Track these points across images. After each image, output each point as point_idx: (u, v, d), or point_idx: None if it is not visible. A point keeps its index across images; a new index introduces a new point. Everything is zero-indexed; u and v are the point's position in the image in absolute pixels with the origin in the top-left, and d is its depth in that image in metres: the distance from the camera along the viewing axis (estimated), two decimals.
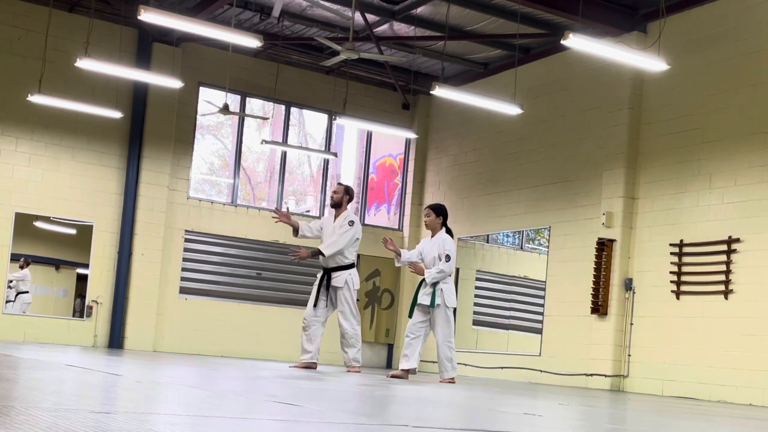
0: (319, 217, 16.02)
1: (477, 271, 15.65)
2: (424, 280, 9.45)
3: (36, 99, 12.52)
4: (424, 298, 9.37)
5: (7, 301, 13.71)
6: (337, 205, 10.04)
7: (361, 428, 3.17)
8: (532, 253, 14.79)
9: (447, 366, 9.38)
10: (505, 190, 14.67)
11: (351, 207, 10.16)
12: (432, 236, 9.57)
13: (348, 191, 10.09)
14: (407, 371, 9.38)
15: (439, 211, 9.58)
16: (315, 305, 9.90)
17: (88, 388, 4.46)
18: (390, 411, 4.39)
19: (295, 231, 10.10)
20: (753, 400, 10.48)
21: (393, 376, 9.25)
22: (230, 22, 12.38)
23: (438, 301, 9.29)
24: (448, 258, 9.30)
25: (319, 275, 10.05)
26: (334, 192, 10.10)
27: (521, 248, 15.18)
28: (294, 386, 5.99)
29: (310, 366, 9.85)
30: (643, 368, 11.89)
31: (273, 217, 10.29)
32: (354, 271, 10.01)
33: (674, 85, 11.91)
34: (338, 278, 9.89)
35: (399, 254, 9.58)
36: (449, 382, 9.28)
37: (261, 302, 15.39)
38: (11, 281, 13.75)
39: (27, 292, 14.03)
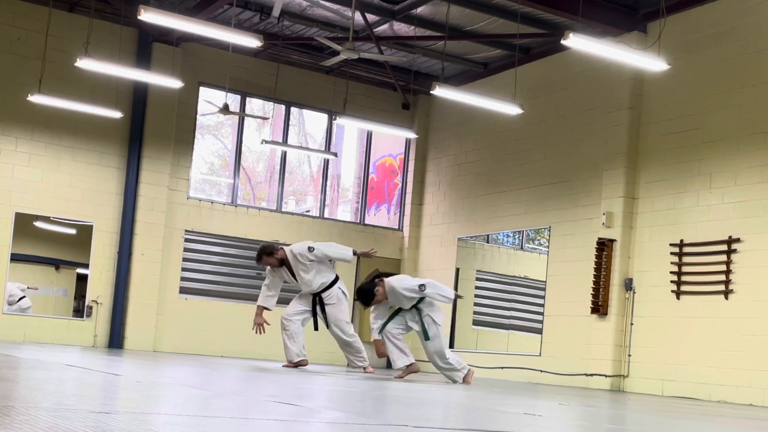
0: (319, 217, 16.05)
1: (477, 271, 15.65)
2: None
3: (36, 99, 12.51)
4: (413, 325, 9.13)
5: (9, 303, 13.70)
6: (280, 263, 9.82)
7: (361, 428, 3.17)
8: (532, 253, 14.78)
9: (455, 374, 9.20)
10: (505, 190, 14.66)
11: (287, 251, 9.80)
12: (387, 298, 9.00)
13: (265, 251, 9.79)
14: (410, 366, 9.26)
15: (369, 295, 8.90)
16: (316, 328, 9.95)
17: (88, 388, 4.46)
18: (390, 411, 4.39)
19: (268, 309, 10.01)
20: (753, 400, 10.48)
21: (399, 378, 9.15)
22: (230, 22, 12.38)
23: (431, 333, 8.99)
24: (422, 287, 8.86)
25: (308, 300, 10.00)
26: (267, 265, 9.82)
27: (521, 248, 15.18)
28: (294, 386, 5.99)
29: (302, 363, 9.89)
30: (643, 368, 11.89)
31: (258, 332, 10.08)
32: (340, 282, 10.00)
33: (674, 85, 11.91)
34: (330, 296, 9.89)
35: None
36: (466, 381, 9.14)
37: None
38: (9, 301, 13.72)
39: (24, 297, 13.99)
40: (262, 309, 9.92)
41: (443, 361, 9.16)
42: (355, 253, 9.89)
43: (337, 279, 9.94)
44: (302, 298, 10.05)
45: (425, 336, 9.03)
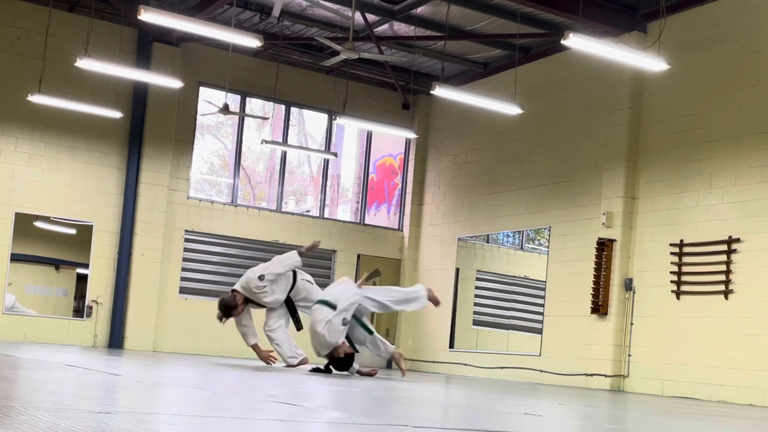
0: (319, 217, 16.04)
1: (477, 271, 15.65)
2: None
3: (36, 99, 12.52)
4: (358, 325, 9.31)
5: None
6: (244, 303, 9.80)
7: (361, 428, 3.17)
8: (532, 253, 14.78)
9: (413, 298, 9.48)
10: (505, 190, 14.66)
11: (240, 290, 9.71)
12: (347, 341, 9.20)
13: (228, 306, 9.68)
14: (396, 352, 9.58)
15: (346, 359, 9.03)
16: (298, 328, 10.02)
17: (88, 388, 4.46)
18: (390, 411, 4.39)
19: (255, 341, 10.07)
20: (753, 400, 10.48)
21: (400, 355, 9.49)
22: (230, 22, 12.38)
23: (365, 302, 9.20)
24: (344, 319, 8.95)
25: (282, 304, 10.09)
26: (237, 314, 9.78)
27: (521, 248, 15.18)
28: (294, 386, 5.99)
29: (303, 363, 9.95)
30: (643, 368, 11.89)
31: (270, 363, 10.06)
32: (299, 274, 9.97)
33: (674, 85, 11.91)
34: (296, 292, 9.90)
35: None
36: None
37: None
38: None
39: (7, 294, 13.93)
40: (256, 345, 9.95)
41: (393, 301, 9.37)
42: (301, 254, 9.88)
43: (296, 275, 9.94)
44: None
45: (368, 331, 9.28)
